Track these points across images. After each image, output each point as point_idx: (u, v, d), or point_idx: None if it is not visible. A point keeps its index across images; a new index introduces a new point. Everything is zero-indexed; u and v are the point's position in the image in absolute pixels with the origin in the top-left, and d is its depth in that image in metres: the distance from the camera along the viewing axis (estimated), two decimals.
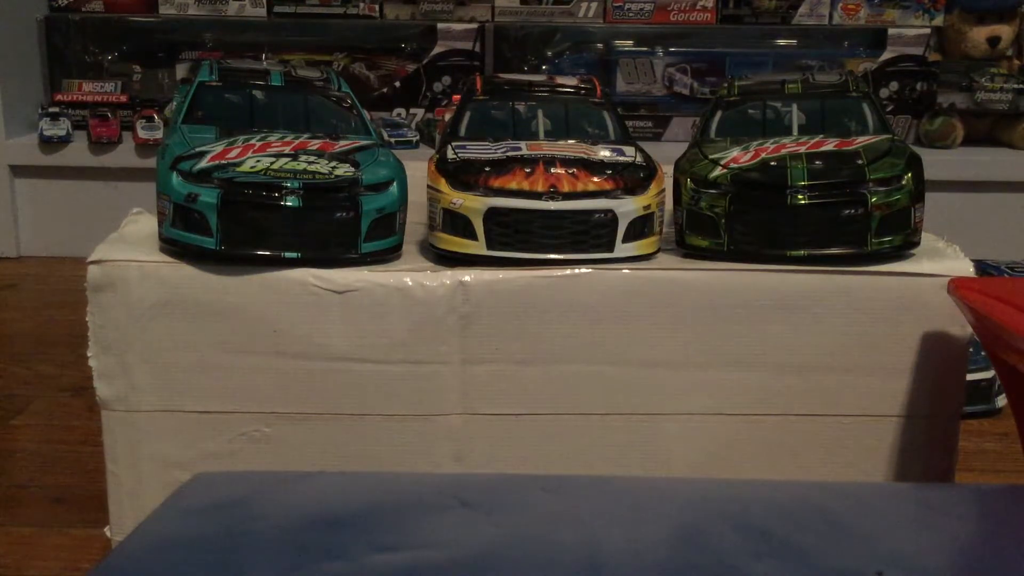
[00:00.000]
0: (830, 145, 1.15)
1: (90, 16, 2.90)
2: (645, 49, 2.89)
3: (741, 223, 1.11)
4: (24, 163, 2.76)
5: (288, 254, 1.07)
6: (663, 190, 1.15)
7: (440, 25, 2.86)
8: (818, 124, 1.22)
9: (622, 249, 1.10)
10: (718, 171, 1.13)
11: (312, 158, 1.09)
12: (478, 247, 1.10)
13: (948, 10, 2.82)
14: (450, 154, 1.15)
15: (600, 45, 2.91)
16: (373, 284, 1.08)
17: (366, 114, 1.23)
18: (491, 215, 1.09)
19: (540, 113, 1.23)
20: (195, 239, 1.06)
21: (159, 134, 2.66)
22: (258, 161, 1.07)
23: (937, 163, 2.43)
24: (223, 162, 1.07)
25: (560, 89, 1.27)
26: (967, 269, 1.11)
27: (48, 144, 2.72)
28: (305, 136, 1.15)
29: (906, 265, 1.12)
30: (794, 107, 1.22)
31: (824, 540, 0.71)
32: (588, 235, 1.10)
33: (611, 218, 1.09)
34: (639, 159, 1.16)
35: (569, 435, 1.13)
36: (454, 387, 1.11)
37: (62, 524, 1.39)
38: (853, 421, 1.13)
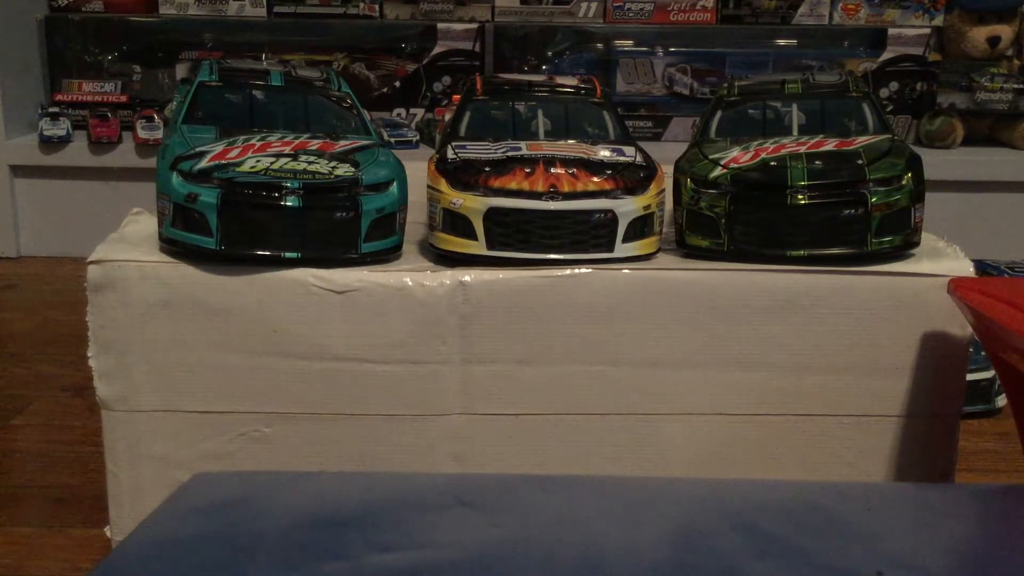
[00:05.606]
0: (830, 145, 1.15)
1: (90, 16, 2.90)
2: (645, 49, 2.89)
3: (741, 223, 1.11)
4: (24, 163, 2.76)
5: (288, 254, 1.07)
6: (663, 190, 1.15)
7: (440, 25, 2.86)
8: (818, 124, 1.22)
9: (622, 249, 1.10)
10: (718, 171, 1.13)
11: (312, 158, 1.09)
12: (478, 247, 1.10)
13: (948, 10, 2.82)
14: (450, 154, 1.15)
15: (600, 45, 2.91)
16: (373, 284, 1.08)
17: (366, 114, 1.23)
18: (491, 215, 1.09)
19: (540, 113, 1.23)
20: (195, 239, 1.06)
21: (159, 134, 2.66)
22: (258, 161, 1.07)
23: (937, 163, 2.44)
24: (223, 162, 1.07)
25: (560, 89, 1.27)
26: (967, 269, 1.11)
27: (48, 144, 2.73)
28: (305, 136, 1.15)
29: (906, 265, 1.12)
30: (794, 107, 1.22)
31: (824, 540, 0.71)
32: (588, 235, 1.10)
33: (611, 218, 1.09)
34: (639, 159, 1.16)
35: (569, 435, 1.13)
36: (454, 387, 1.11)
37: (62, 524, 1.39)
38: (853, 421, 1.13)
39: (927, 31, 2.84)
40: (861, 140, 1.17)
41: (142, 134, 2.70)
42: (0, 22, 2.71)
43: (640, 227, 1.11)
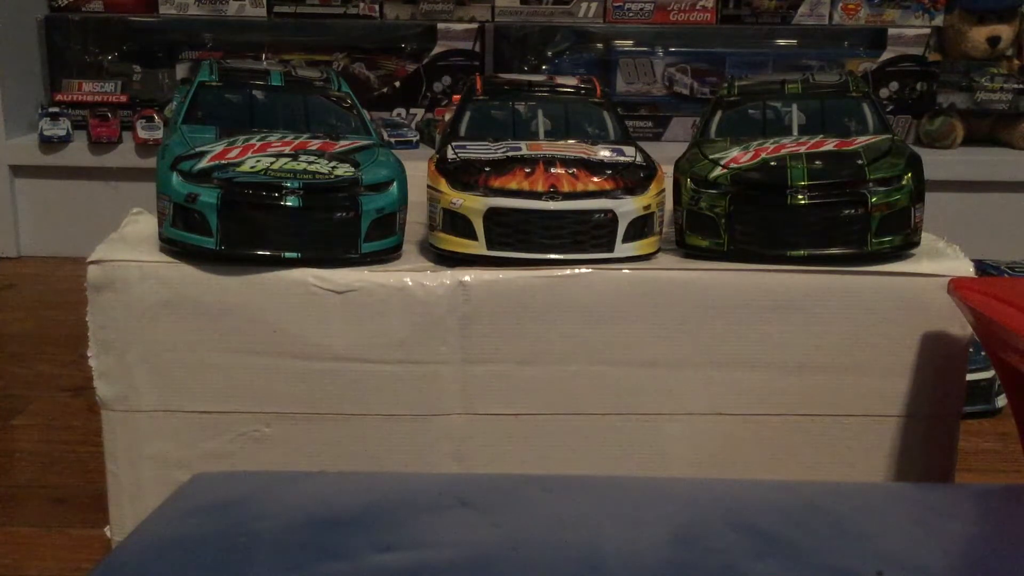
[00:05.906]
0: (830, 145, 1.15)
1: (90, 16, 2.90)
2: (645, 49, 2.89)
3: (741, 223, 1.11)
4: (24, 163, 2.76)
5: (288, 254, 1.07)
6: (663, 190, 1.15)
7: (440, 25, 2.86)
8: (818, 124, 1.22)
9: (622, 249, 1.10)
10: (718, 171, 1.13)
11: (312, 158, 1.09)
12: (478, 247, 1.10)
13: (948, 10, 2.82)
14: (450, 154, 1.15)
15: (600, 45, 2.91)
16: (373, 284, 1.08)
17: (366, 114, 1.23)
18: (491, 215, 1.09)
19: (540, 113, 1.23)
20: (195, 239, 1.06)
21: (159, 134, 2.66)
22: (258, 161, 1.07)
23: (937, 163, 2.44)
24: (223, 162, 1.07)
25: (560, 89, 1.26)
26: (967, 269, 1.11)
27: (48, 144, 2.73)
28: (305, 136, 1.15)
29: (906, 265, 1.12)
30: (794, 107, 1.22)
31: (824, 540, 0.71)
32: (588, 235, 1.10)
33: (611, 218, 1.09)
34: (639, 159, 1.16)
35: (569, 435, 1.13)
36: (454, 387, 1.11)
37: (62, 524, 1.39)
38: (853, 421, 1.13)
39: (927, 31, 2.84)
40: (861, 140, 1.17)
41: (142, 134, 2.70)
42: (0, 22, 2.71)
43: (640, 227, 1.11)
